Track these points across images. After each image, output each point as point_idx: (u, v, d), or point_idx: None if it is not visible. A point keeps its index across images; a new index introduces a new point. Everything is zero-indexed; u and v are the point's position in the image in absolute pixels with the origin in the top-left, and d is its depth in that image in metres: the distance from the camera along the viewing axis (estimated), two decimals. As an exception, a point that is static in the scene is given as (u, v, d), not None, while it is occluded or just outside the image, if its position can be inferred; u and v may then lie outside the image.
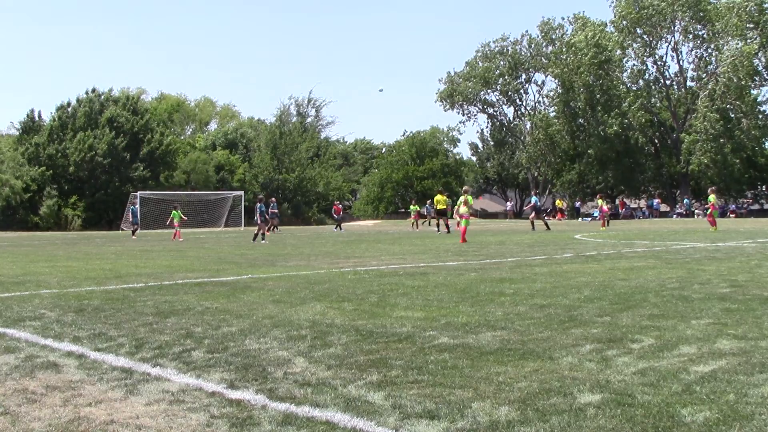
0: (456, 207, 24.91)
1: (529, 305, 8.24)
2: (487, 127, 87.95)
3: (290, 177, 69.60)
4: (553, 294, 9.20)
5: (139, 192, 53.94)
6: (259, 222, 28.14)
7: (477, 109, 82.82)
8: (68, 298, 9.59)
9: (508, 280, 11.07)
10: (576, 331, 6.57)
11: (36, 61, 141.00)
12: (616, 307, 8.00)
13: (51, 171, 58.10)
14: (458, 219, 24.35)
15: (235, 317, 7.73)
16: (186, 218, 34.63)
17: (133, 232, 38.23)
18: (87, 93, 63.41)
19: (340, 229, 43.26)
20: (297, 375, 5.12)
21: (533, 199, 37.62)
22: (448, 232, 31.85)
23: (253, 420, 4.09)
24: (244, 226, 55.10)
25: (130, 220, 39.17)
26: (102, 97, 63.54)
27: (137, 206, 39.62)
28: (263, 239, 27.68)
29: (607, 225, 37.96)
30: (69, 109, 62.34)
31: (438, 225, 34.45)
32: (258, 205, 28.45)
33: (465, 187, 26.24)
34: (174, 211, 32.89)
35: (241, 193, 58.70)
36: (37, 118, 64.21)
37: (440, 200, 33.72)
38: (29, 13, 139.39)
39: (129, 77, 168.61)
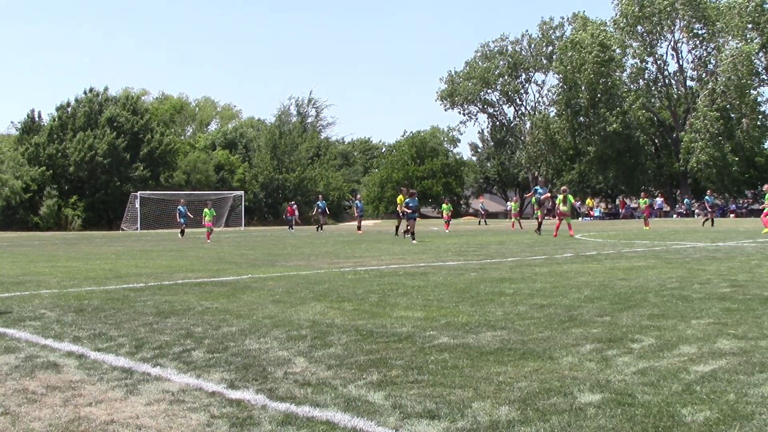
0: (557, 204, 25.83)
1: (529, 305, 8.24)
2: (487, 127, 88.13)
3: (290, 177, 69.64)
4: (553, 294, 9.20)
5: (139, 192, 53.94)
6: (403, 218, 27.19)
7: (477, 108, 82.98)
8: (68, 298, 9.59)
9: (508, 279, 11.07)
10: (576, 330, 6.57)
11: (36, 61, 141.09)
12: (616, 306, 8.00)
13: (51, 171, 58.10)
14: (560, 217, 25.71)
15: (235, 317, 7.73)
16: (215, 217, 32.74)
17: (182, 233, 36.05)
18: (86, 93, 63.40)
19: (291, 229, 43.92)
20: (297, 375, 5.12)
21: (538, 189, 30.58)
22: (396, 234, 29.61)
23: (253, 420, 4.09)
24: (245, 226, 55.09)
25: (179, 220, 36.13)
26: (101, 96, 63.51)
27: (185, 206, 36.22)
28: (410, 236, 26.13)
29: (647, 225, 34.97)
30: (69, 109, 62.31)
31: (405, 230, 28.93)
32: (410, 204, 26.39)
33: (563, 187, 26.60)
34: (206, 209, 31.19)
35: (241, 193, 58.68)
36: (37, 118, 64.23)
37: (401, 201, 29.41)
38: (29, 13, 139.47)
39: (130, 77, 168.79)
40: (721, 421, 3.90)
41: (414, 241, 24.09)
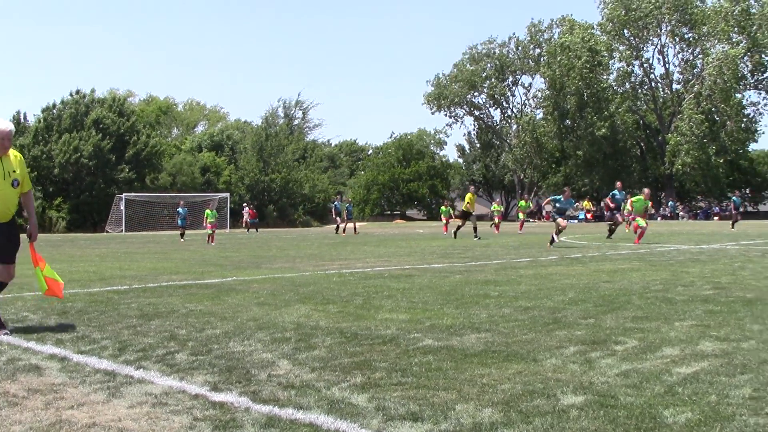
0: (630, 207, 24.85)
1: (513, 307, 8.25)
2: (473, 129, 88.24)
3: (276, 178, 69.53)
4: (538, 296, 9.23)
5: (124, 194, 53.72)
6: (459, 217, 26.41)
7: (464, 111, 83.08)
8: (51, 300, 9.52)
9: (493, 282, 11.09)
10: (560, 333, 6.59)
11: (22, 63, 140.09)
12: (600, 309, 8.03)
13: (35, 173, 57.67)
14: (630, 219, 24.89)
15: (220, 320, 7.70)
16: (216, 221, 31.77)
17: (181, 235, 34.69)
18: (72, 95, 63.07)
19: (256, 230, 45.46)
20: (281, 377, 5.11)
21: (616, 193, 27.59)
22: (476, 237, 27.54)
23: (236, 422, 4.08)
24: (230, 228, 54.91)
25: (178, 222, 35.15)
26: (87, 98, 63.18)
27: (185, 208, 35.24)
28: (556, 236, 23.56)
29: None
30: (54, 111, 61.93)
31: (474, 229, 28.33)
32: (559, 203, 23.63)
33: (645, 190, 24.97)
34: (208, 210, 30.45)
35: (227, 195, 58.49)
36: (22, 120, 63.80)
37: (471, 200, 28.50)
38: (16, 14, 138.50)
39: (117, 79, 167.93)
40: (702, 423, 3.93)
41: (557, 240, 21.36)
